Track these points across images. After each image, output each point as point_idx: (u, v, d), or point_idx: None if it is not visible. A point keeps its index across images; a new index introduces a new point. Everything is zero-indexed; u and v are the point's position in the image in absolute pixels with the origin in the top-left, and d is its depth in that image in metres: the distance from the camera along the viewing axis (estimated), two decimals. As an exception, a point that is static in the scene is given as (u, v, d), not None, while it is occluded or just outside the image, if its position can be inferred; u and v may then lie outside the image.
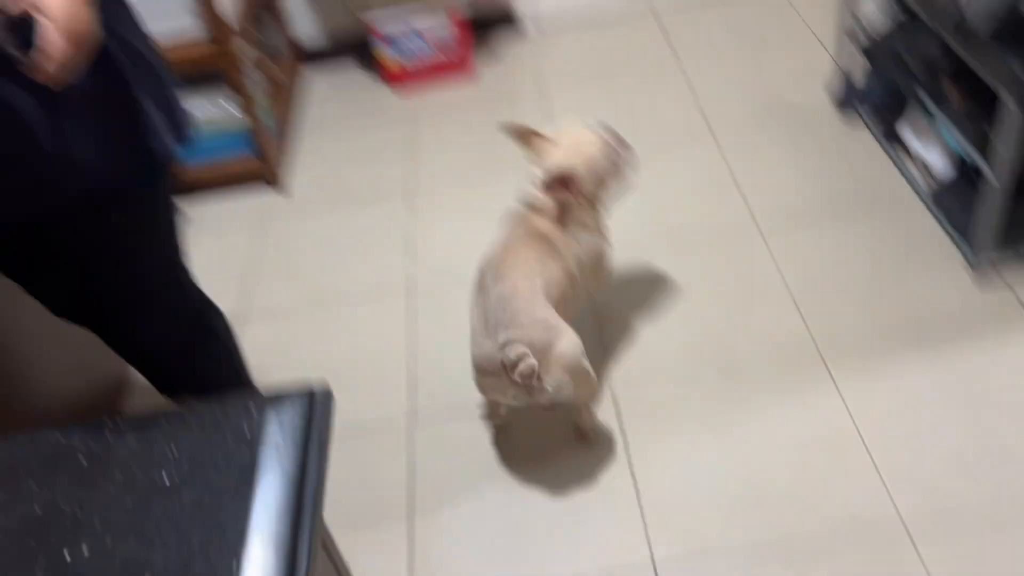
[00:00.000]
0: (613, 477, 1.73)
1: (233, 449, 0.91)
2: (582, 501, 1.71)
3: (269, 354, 2.08)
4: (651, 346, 1.99)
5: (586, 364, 1.61)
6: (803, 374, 1.86)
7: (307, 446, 0.90)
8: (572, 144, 1.75)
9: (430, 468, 1.82)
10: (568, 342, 1.57)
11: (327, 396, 0.96)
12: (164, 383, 1.57)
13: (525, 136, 1.77)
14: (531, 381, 1.50)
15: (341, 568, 1.09)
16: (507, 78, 3.00)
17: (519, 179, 1.88)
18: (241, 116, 2.56)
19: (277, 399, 0.95)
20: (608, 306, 2.08)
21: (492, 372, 1.55)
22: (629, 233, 2.12)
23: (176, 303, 1.49)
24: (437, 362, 2.04)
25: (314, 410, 0.93)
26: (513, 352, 1.48)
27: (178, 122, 1.31)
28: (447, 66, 3.00)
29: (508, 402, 1.65)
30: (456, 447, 1.84)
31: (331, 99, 3.08)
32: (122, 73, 1.19)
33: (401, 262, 2.36)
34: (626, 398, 1.88)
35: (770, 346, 1.93)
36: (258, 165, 2.67)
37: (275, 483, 0.87)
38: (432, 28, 2.89)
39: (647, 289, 2.11)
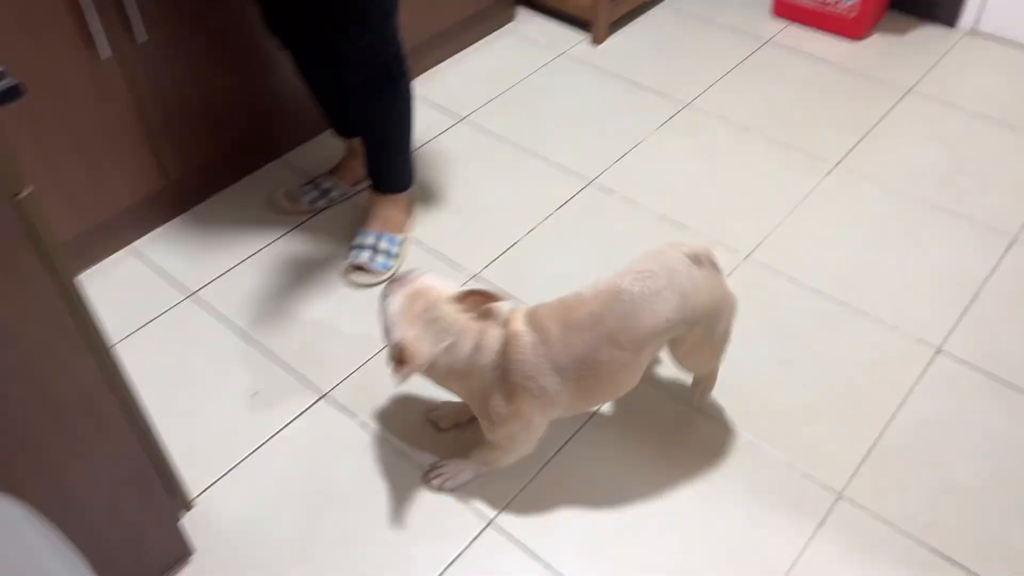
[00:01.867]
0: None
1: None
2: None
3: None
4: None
5: None
6: None
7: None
8: None
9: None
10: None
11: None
12: (343, 116, 1.89)
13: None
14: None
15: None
16: (895, 65, 2.56)
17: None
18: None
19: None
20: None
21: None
22: None
23: (383, 37, 1.72)
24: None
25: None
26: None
27: None
28: (837, 18, 2.63)
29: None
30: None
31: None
32: None
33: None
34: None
35: None
36: (588, 8, 2.61)
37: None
38: (843, -31, 2.53)
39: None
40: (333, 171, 2.12)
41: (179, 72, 1.89)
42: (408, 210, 2.03)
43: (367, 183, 2.03)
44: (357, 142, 2.06)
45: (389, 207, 1.96)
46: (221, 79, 1.98)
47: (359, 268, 1.92)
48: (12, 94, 0.86)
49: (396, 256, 1.95)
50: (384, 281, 1.88)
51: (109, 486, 1.23)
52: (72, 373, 1.09)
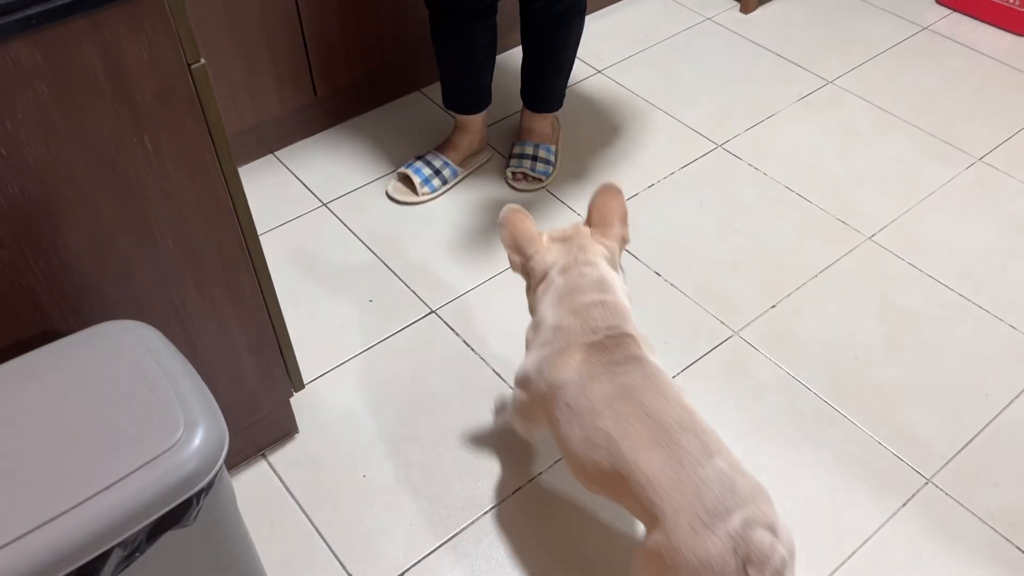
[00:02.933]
0: None
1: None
2: None
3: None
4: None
5: None
6: None
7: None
8: None
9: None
10: (788, 531, 1.09)
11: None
12: (529, 42, 1.97)
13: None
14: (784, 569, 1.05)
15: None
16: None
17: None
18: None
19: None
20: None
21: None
22: None
23: None
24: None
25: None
26: (762, 540, 1.03)
27: None
28: (1004, 10, 2.51)
29: None
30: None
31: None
32: None
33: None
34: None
35: None
36: (742, -24, 2.58)
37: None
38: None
39: None
40: (442, 148, 2.10)
41: (340, -7, 2.00)
42: (557, 125, 2.17)
43: (480, 160, 2.13)
44: (476, 118, 2.07)
45: (542, 122, 2.11)
46: (377, 5, 2.08)
47: (522, 175, 2.08)
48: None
49: (553, 164, 2.11)
50: (545, 186, 2.09)
51: (235, 348, 1.35)
52: (219, 237, 1.21)
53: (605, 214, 1.33)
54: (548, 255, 1.31)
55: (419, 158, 2.08)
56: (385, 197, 2.06)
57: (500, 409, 1.58)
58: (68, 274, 1.10)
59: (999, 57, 2.46)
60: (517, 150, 2.11)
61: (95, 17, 0.93)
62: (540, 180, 2.08)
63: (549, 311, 1.28)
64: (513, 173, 2.08)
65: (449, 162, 2.07)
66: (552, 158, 2.11)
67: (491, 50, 1.99)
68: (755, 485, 1.09)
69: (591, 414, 1.17)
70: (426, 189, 2.04)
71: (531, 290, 1.35)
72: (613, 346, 1.21)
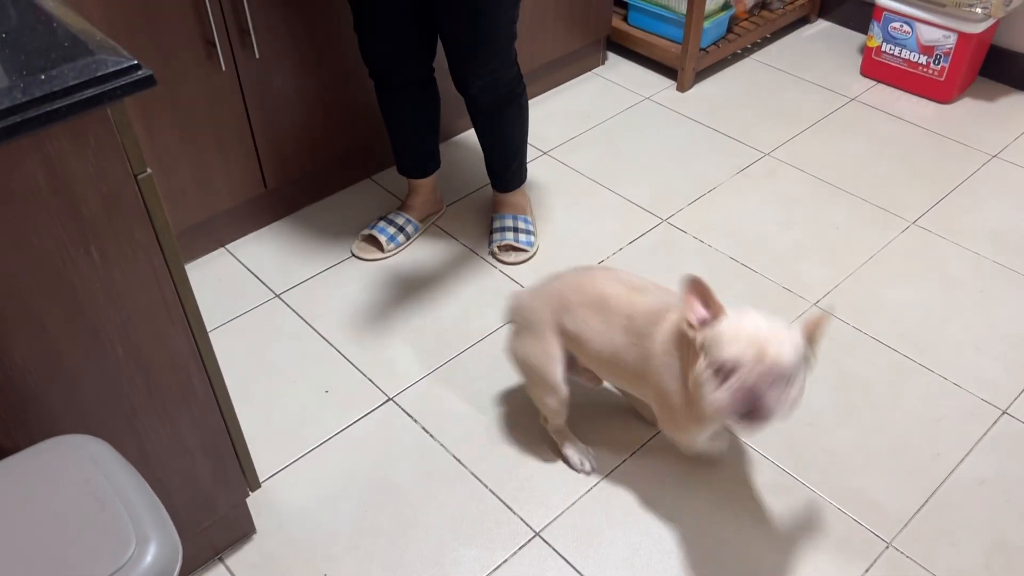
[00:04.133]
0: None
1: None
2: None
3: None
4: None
5: None
6: None
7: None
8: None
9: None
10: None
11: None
12: (477, 128, 2.04)
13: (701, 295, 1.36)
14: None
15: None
16: (981, 130, 2.56)
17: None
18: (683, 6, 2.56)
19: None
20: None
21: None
22: None
23: (508, 59, 1.89)
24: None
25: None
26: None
27: None
28: (926, 80, 2.64)
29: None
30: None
31: (801, 40, 2.92)
32: None
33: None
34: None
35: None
36: (676, 57, 2.69)
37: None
38: (934, 31, 2.54)
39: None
40: (402, 207, 2.21)
41: (287, 88, 2.04)
42: (527, 197, 2.22)
43: (436, 217, 2.23)
44: (426, 181, 2.17)
45: (514, 196, 2.17)
46: (324, 99, 2.13)
47: (507, 247, 2.12)
48: (146, 83, 0.98)
49: (534, 234, 2.16)
50: (531, 257, 2.14)
51: (188, 451, 1.33)
52: (168, 341, 1.20)
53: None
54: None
55: (382, 219, 2.17)
56: (338, 285, 2.07)
57: None
58: (13, 388, 1.08)
59: (924, 124, 2.58)
60: (497, 224, 2.15)
61: (39, 135, 0.95)
62: (526, 251, 2.12)
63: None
64: (499, 248, 2.13)
65: (411, 219, 2.18)
66: (532, 228, 2.16)
67: (429, 117, 2.06)
68: None
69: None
70: (392, 245, 2.13)
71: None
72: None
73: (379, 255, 2.13)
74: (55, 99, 0.91)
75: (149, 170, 1.08)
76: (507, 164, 2.11)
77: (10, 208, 0.97)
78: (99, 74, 0.94)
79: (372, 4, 1.81)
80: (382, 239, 2.13)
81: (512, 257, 2.12)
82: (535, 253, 2.14)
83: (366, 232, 2.16)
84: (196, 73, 1.86)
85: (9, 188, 0.95)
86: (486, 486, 1.65)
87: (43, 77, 0.92)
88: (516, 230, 2.14)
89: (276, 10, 1.92)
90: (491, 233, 2.17)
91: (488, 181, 2.19)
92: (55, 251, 1.03)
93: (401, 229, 2.16)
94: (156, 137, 1.88)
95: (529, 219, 2.18)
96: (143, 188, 1.08)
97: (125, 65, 0.95)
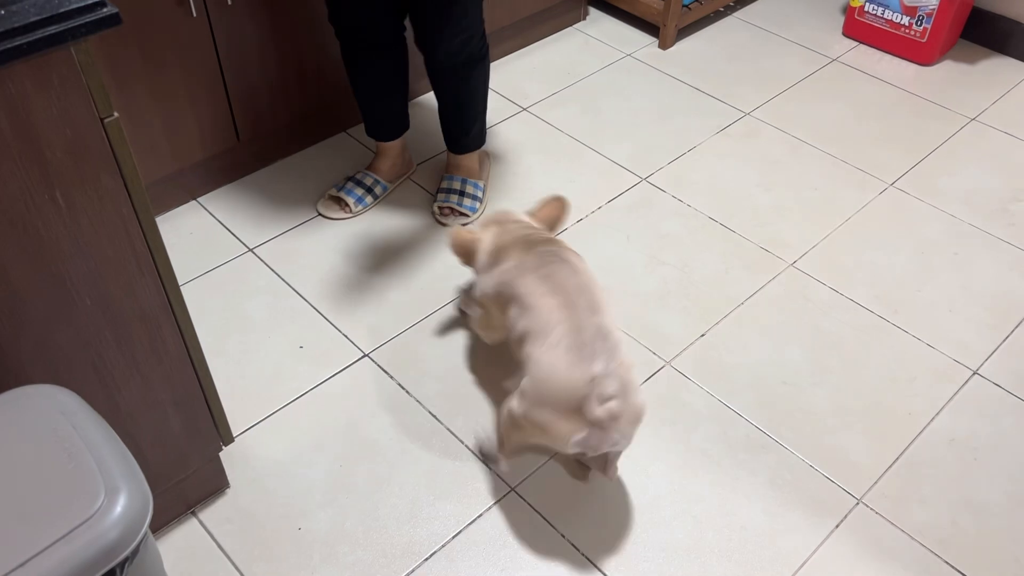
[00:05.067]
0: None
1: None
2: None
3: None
4: (794, 387, 1.73)
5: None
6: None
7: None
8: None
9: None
10: (642, 396, 1.38)
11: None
12: (439, 91, 1.99)
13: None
14: (616, 424, 1.32)
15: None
16: (962, 92, 2.55)
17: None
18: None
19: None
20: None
21: (567, 406, 1.33)
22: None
23: (474, 23, 1.85)
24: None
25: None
26: (611, 387, 1.30)
27: None
28: (907, 42, 2.63)
29: (551, 443, 1.40)
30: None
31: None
32: None
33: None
34: (719, 403, 1.68)
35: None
36: (658, 14, 2.65)
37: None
38: (918, -7, 2.53)
39: (851, 344, 1.81)
40: (370, 167, 2.16)
41: (261, 38, 1.99)
42: (484, 162, 2.19)
43: (405, 178, 2.20)
44: (394, 143, 2.13)
45: (468, 159, 2.13)
46: (298, 50, 2.07)
47: (448, 209, 2.08)
48: (111, 21, 0.94)
49: (480, 200, 2.12)
50: (472, 221, 2.09)
51: (159, 405, 1.31)
52: (137, 292, 1.17)
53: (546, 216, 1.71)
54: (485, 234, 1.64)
55: (350, 179, 2.13)
56: (313, 240, 2.04)
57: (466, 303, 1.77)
58: (-23, 338, 1.05)
59: (904, 86, 2.57)
60: (444, 184, 2.12)
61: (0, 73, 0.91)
62: (467, 215, 2.09)
63: (485, 254, 1.60)
64: (440, 208, 2.09)
65: (379, 180, 2.14)
66: (480, 194, 2.12)
67: (396, 79, 2.01)
68: (621, 341, 1.39)
69: (520, 293, 1.48)
70: (359, 207, 2.11)
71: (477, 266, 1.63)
72: (542, 249, 1.53)
73: (345, 216, 2.10)
74: (15, 35, 0.87)
75: (116, 114, 1.04)
76: (466, 128, 2.06)
77: (-30, 150, 0.93)
78: (62, 10, 0.90)
79: None
80: (350, 200, 2.09)
81: (452, 220, 2.09)
82: (477, 218, 2.10)
83: (333, 193, 2.11)
84: (166, 19, 1.80)
85: (-32, 129, 0.92)
86: (462, 442, 1.65)
87: (2, 12, 0.88)
88: (462, 194, 2.09)
89: (249, -45, 1.86)
90: (436, 192, 2.13)
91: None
92: (18, 196, 0.99)
93: (369, 190, 2.12)
94: (124, 85, 1.82)
95: (480, 184, 2.13)
96: (110, 132, 1.04)
97: (89, 2, 0.91)
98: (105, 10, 0.93)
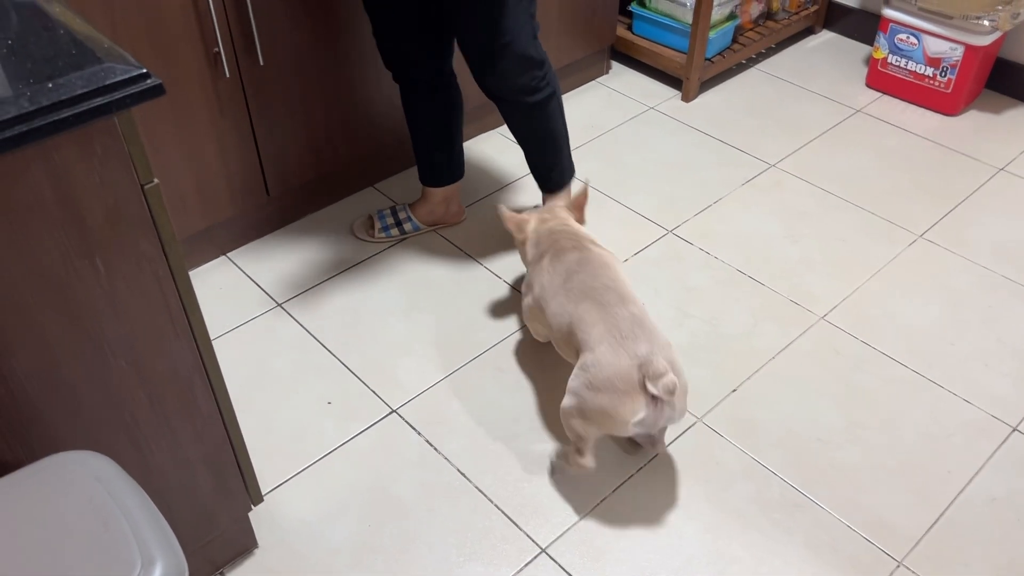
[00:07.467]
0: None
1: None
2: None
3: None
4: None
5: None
6: None
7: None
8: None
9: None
10: (684, 372, 1.52)
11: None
12: (509, 121, 1.97)
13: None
14: (672, 398, 1.43)
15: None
16: (988, 142, 2.55)
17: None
18: (690, 14, 2.55)
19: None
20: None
21: (623, 391, 1.44)
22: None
23: (523, 58, 1.81)
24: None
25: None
26: (660, 364, 1.42)
27: None
28: (931, 92, 2.63)
29: (613, 428, 1.49)
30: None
31: (806, 50, 2.91)
32: None
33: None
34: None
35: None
36: (681, 67, 2.67)
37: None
38: (941, 43, 2.54)
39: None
40: (412, 205, 2.20)
41: (291, 98, 2.02)
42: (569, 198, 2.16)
43: (443, 225, 2.22)
44: (436, 190, 2.15)
45: (558, 199, 2.07)
46: (328, 106, 2.11)
47: None
48: (155, 92, 0.96)
49: None
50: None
51: (191, 466, 1.31)
52: (172, 352, 1.18)
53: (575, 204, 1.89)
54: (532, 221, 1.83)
55: (391, 206, 2.22)
56: (340, 295, 2.05)
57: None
58: (15, 404, 1.06)
59: (930, 136, 2.57)
60: None
61: (45, 145, 0.92)
62: None
63: (532, 244, 1.78)
64: None
65: (412, 218, 2.19)
66: None
67: (439, 125, 2.02)
68: (657, 327, 1.51)
69: (553, 295, 1.64)
70: (383, 234, 2.17)
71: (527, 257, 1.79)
72: (567, 258, 1.66)
73: (367, 239, 2.19)
74: (62, 108, 0.89)
75: (156, 180, 1.06)
76: (551, 162, 2.03)
77: (14, 218, 0.94)
78: (107, 83, 0.91)
79: (384, 8, 1.81)
80: (377, 224, 2.18)
81: None
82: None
83: (372, 213, 2.22)
84: (200, 79, 1.84)
85: (14, 198, 0.93)
86: (491, 501, 1.63)
87: (50, 85, 0.90)
88: None
89: (280, 16, 1.90)
90: None
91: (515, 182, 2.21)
92: (59, 262, 1.00)
93: (398, 223, 2.18)
94: (157, 143, 1.86)
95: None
96: (149, 198, 1.05)
97: (134, 74, 0.93)
98: (149, 81, 0.95)
